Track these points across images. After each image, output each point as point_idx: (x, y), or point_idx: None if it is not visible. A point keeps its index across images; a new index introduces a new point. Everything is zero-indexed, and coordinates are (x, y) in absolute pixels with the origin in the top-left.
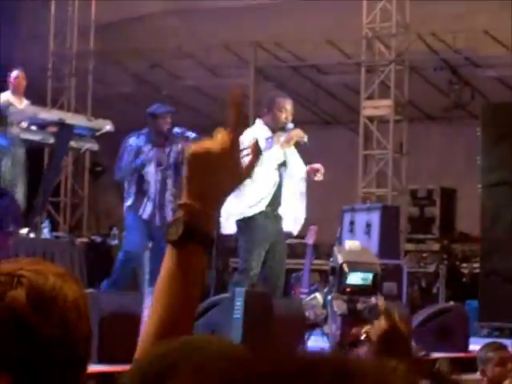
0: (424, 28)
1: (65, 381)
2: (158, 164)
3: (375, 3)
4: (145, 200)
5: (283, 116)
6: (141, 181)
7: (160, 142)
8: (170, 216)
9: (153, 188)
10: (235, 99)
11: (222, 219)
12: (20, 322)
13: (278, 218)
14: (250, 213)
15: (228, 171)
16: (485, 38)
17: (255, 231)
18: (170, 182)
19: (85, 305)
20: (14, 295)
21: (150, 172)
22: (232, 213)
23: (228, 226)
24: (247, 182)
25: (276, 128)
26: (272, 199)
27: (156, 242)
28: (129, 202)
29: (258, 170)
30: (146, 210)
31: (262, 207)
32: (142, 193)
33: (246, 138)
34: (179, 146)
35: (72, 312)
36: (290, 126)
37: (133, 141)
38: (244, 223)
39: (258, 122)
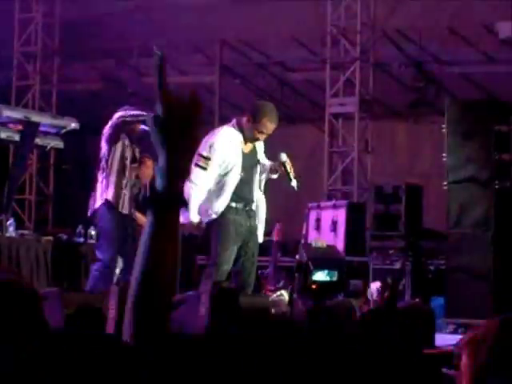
0: (389, 25)
1: None
2: (131, 161)
3: (340, 0)
4: (123, 192)
5: (259, 136)
6: (122, 171)
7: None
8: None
9: (128, 182)
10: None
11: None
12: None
13: (251, 214)
14: (218, 208)
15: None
16: (450, 35)
17: (227, 227)
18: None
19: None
20: None
21: (128, 165)
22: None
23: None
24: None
25: (250, 141)
26: (241, 195)
27: (128, 233)
28: (110, 197)
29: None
30: (125, 204)
31: (231, 203)
32: (120, 185)
33: (222, 141)
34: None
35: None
36: (284, 158)
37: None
38: (215, 219)
39: (232, 129)
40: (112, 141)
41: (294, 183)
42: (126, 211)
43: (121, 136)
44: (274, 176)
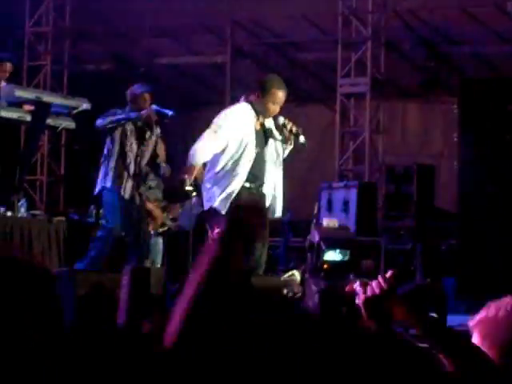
0: (400, 5)
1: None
2: (140, 143)
3: None
4: (125, 179)
5: (272, 107)
6: (123, 157)
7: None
8: (145, 195)
9: (132, 167)
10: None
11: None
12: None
13: (263, 196)
14: (235, 187)
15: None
16: (462, 14)
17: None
18: (143, 162)
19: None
20: None
21: (133, 150)
22: (216, 194)
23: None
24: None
25: (264, 115)
26: (254, 176)
27: (133, 219)
28: (108, 182)
29: (239, 150)
30: (127, 189)
31: (245, 184)
32: (122, 171)
33: (234, 118)
34: (157, 129)
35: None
36: (282, 120)
37: (120, 113)
38: (227, 200)
39: (245, 104)
40: (109, 130)
41: (301, 139)
42: (127, 196)
43: (121, 123)
44: (289, 147)
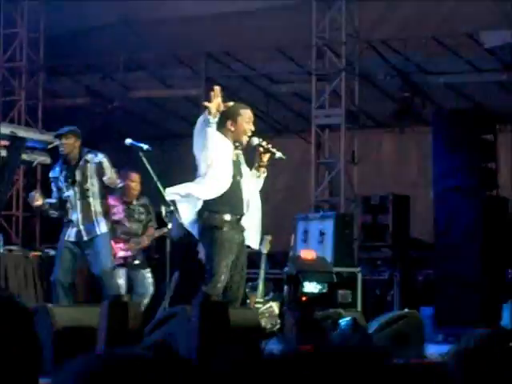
0: (374, 36)
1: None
2: (73, 182)
3: (324, 12)
4: (69, 225)
5: (248, 127)
6: (64, 207)
7: (74, 160)
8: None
9: (75, 210)
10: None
11: (187, 222)
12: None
13: (241, 229)
14: (215, 222)
15: None
16: (435, 44)
17: (222, 243)
18: (91, 194)
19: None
20: None
21: (70, 195)
22: (195, 218)
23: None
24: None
25: (238, 140)
26: (234, 207)
27: (87, 253)
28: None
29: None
30: (71, 233)
31: (228, 216)
32: (66, 219)
33: (217, 139)
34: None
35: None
36: (256, 140)
37: (51, 174)
38: (210, 234)
39: (218, 134)
40: None
41: (278, 154)
42: (72, 239)
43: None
44: (263, 174)
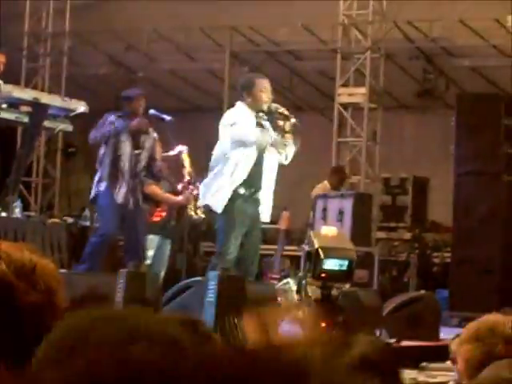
0: (400, 16)
1: None
2: (135, 147)
3: None
4: (118, 184)
5: (264, 96)
6: (116, 162)
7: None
8: (141, 199)
9: (127, 171)
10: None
11: (202, 196)
12: (5, 290)
13: (257, 202)
14: (227, 194)
15: None
16: (461, 27)
17: (233, 215)
18: (140, 166)
19: (60, 278)
20: None
21: (126, 154)
22: (211, 191)
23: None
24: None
25: (258, 109)
26: (250, 182)
27: (128, 223)
28: (102, 187)
29: (239, 151)
30: (120, 193)
31: (240, 189)
32: (116, 175)
33: (232, 117)
34: (154, 133)
35: (53, 280)
36: (274, 105)
37: (112, 119)
38: (223, 206)
39: (240, 104)
40: (102, 141)
41: (293, 120)
42: (120, 200)
43: (112, 132)
44: (289, 141)
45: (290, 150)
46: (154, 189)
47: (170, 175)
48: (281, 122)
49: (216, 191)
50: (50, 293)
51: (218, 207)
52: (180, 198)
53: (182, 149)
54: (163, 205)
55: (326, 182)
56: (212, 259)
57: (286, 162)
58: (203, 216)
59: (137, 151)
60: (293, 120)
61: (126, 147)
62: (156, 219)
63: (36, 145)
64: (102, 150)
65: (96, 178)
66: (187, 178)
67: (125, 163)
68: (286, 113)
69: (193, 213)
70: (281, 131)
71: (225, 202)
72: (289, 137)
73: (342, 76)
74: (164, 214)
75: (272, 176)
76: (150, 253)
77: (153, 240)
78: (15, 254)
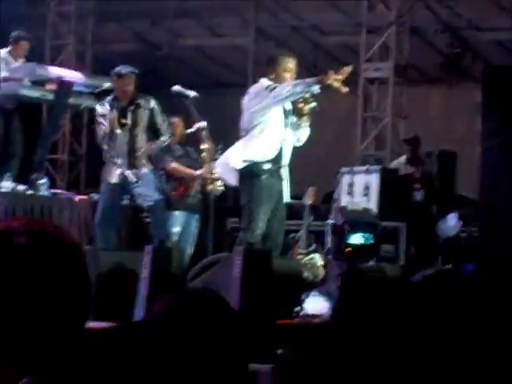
0: None
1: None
2: (122, 125)
3: None
4: (112, 166)
5: (288, 76)
6: (110, 147)
7: (125, 102)
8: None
9: (121, 152)
10: None
11: (228, 167)
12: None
13: (282, 178)
14: (256, 160)
15: None
16: (486, 1)
17: (261, 190)
18: (139, 140)
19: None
20: None
21: (119, 136)
22: (239, 162)
23: (232, 176)
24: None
25: None
26: (276, 157)
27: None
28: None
29: (270, 123)
30: (114, 175)
31: (266, 165)
32: (110, 159)
33: (260, 88)
34: (151, 103)
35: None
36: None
37: (98, 109)
38: (249, 180)
39: (263, 81)
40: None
41: (313, 104)
42: (114, 181)
43: (97, 115)
44: (305, 123)
45: (305, 133)
46: (173, 165)
47: (193, 151)
48: (300, 105)
49: (241, 164)
50: (80, 264)
51: (242, 180)
52: (200, 171)
53: (201, 125)
54: (185, 180)
55: (402, 158)
56: (240, 234)
57: (299, 144)
58: (223, 189)
59: (127, 126)
60: (313, 104)
61: (116, 128)
62: (179, 195)
63: (62, 122)
64: None
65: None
66: (205, 153)
67: (118, 145)
68: (307, 95)
69: (212, 186)
70: (298, 113)
71: (250, 175)
72: (305, 119)
73: (367, 50)
74: (185, 188)
75: (289, 157)
76: (176, 229)
77: (178, 217)
78: (38, 228)
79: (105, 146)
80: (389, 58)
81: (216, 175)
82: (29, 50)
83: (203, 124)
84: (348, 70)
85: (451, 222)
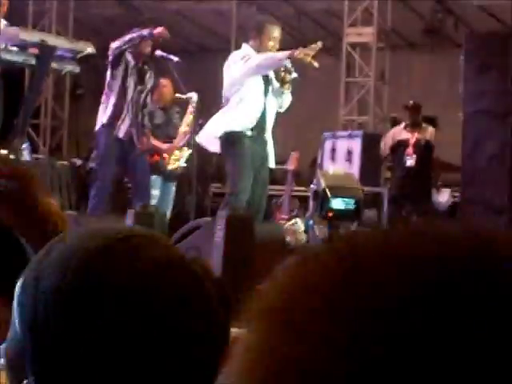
0: None
1: None
2: (137, 84)
3: None
4: (123, 115)
5: (272, 45)
6: (124, 93)
7: (141, 63)
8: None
9: (131, 106)
10: None
11: (210, 136)
12: None
13: (265, 143)
14: (236, 129)
15: None
16: None
17: (243, 155)
18: (140, 103)
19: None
20: None
21: (131, 87)
22: (219, 130)
23: (215, 143)
24: (237, 101)
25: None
26: (260, 122)
27: (131, 163)
28: (105, 119)
29: (249, 91)
30: (124, 125)
31: (249, 131)
32: (120, 107)
33: (238, 56)
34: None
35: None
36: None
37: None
38: (231, 146)
39: (245, 46)
40: (113, 65)
41: (294, 75)
42: (121, 135)
43: (123, 60)
44: (287, 91)
45: (287, 100)
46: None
47: (175, 114)
48: (282, 73)
49: (222, 133)
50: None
51: (225, 147)
52: (165, 146)
53: (192, 97)
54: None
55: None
56: (224, 199)
57: (281, 110)
58: (181, 166)
59: (141, 86)
60: (294, 74)
61: (131, 80)
62: (154, 162)
63: (44, 87)
64: (107, 81)
65: (100, 110)
66: (185, 128)
67: (129, 96)
68: (289, 66)
69: (172, 162)
70: (280, 81)
71: (232, 142)
72: (287, 87)
73: (350, 15)
74: (158, 158)
75: (272, 122)
76: (155, 192)
77: (155, 180)
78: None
79: None
80: (372, 23)
81: (178, 155)
82: (9, 11)
83: (194, 98)
84: (317, 46)
85: (443, 198)
